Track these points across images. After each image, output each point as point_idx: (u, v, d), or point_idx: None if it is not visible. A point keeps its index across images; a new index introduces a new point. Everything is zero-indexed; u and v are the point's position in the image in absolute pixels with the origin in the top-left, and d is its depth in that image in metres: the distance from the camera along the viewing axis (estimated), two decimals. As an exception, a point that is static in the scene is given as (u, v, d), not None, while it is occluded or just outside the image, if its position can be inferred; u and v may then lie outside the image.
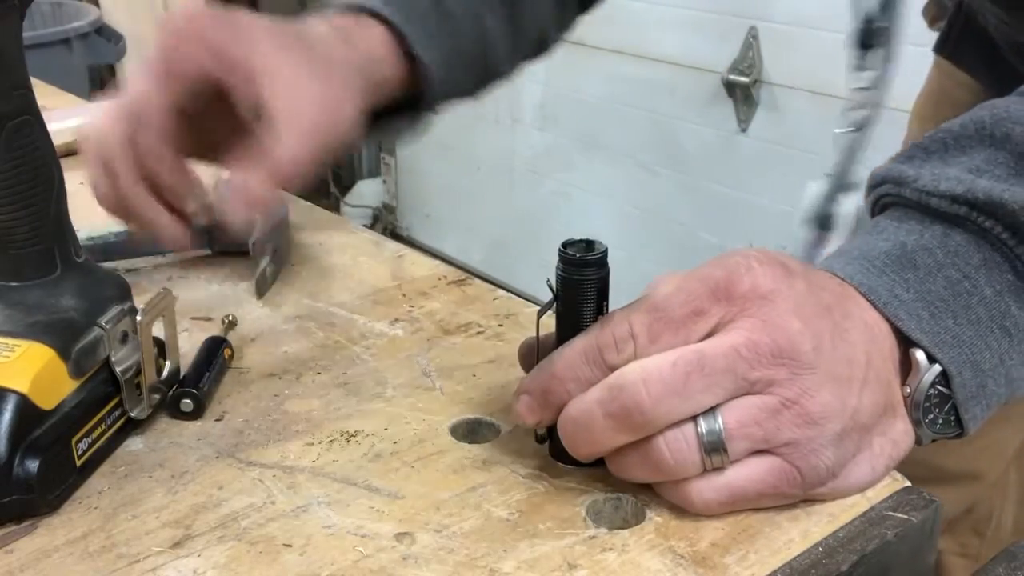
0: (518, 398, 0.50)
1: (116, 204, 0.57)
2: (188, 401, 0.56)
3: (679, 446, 0.46)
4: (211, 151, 0.59)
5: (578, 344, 0.48)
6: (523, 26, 0.77)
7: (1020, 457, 1.14)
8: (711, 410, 0.46)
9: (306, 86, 0.54)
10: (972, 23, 0.94)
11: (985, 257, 0.51)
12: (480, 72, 0.75)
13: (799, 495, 0.48)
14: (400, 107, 0.68)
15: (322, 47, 0.59)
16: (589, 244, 0.50)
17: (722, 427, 0.46)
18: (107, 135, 0.55)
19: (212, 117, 0.57)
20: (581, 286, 0.49)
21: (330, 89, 0.56)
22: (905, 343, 0.50)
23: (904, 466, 0.51)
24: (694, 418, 0.46)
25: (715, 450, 0.46)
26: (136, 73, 0.56)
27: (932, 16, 1.06)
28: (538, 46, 0.81)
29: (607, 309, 0.50)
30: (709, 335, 0.47)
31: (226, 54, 0.54)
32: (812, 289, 0.48)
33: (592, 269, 0.49)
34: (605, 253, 0.50)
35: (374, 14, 0.65)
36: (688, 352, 0.46)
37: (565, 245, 0.50)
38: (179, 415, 0.56)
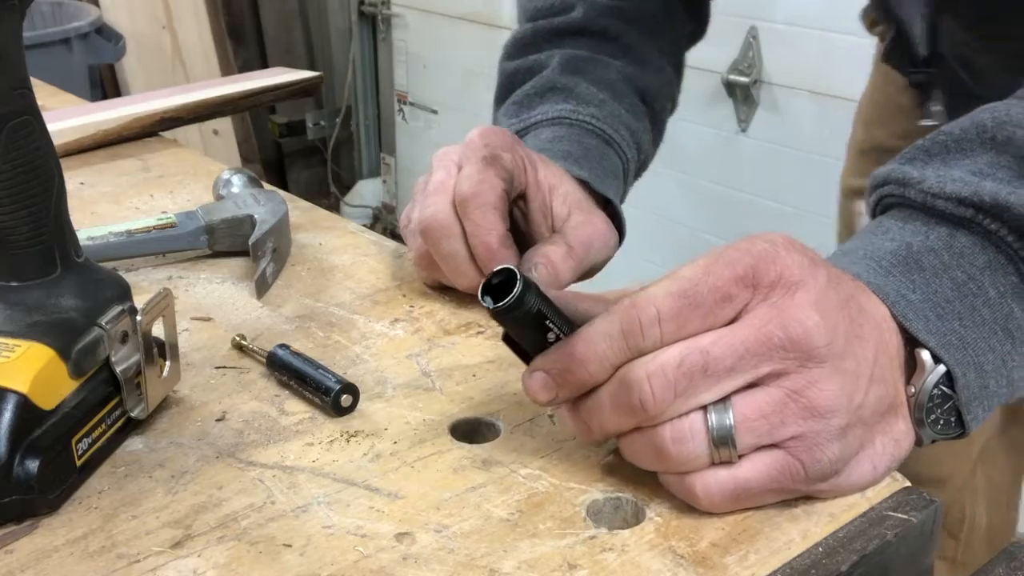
0: (531, 375, 0.49)
1: (447, 271, 0.67)
2: (348, 396, 0.57)
3: (684, 437, 0.46)
4: None
5: (601, 326, 0.48)
6: (659, 125, 0.96)
7: (985, 457, 1.14)
8: (722, 403, 0.46)
9: (590, 219, 0.70)
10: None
11: (990, 259, 0.51)
12: (639, 173, 0.94)
13: (802, 490, 0.48)
14: None
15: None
16: (501, 285, 0.47)
17: (732, 421, 0.46)
18: (446, 218, 0.65)
19: None
20: (511, 324, 0.49)
21: (607, 221, 0.71)
22: (910, 343, 0.50)
23: None
24: (704, 409, 0.46)
25: (724, 444, 0.46)
26: (451, 168, 0.67)
27: (871, 20, 1.07)
28: (662, 132, 0.98)
29: (555, 326, 0.48)
30: (733, 320, 0.47)
31: (530, 165, 0.69)
32: (832, 281, 0.48)
33: (511, 313, 0.47)
34: (520, 295, 0.46)
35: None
36: (695, 352, 0.46)
37: (484, 290, 0.47)
38: (341, 411, 0.57)
